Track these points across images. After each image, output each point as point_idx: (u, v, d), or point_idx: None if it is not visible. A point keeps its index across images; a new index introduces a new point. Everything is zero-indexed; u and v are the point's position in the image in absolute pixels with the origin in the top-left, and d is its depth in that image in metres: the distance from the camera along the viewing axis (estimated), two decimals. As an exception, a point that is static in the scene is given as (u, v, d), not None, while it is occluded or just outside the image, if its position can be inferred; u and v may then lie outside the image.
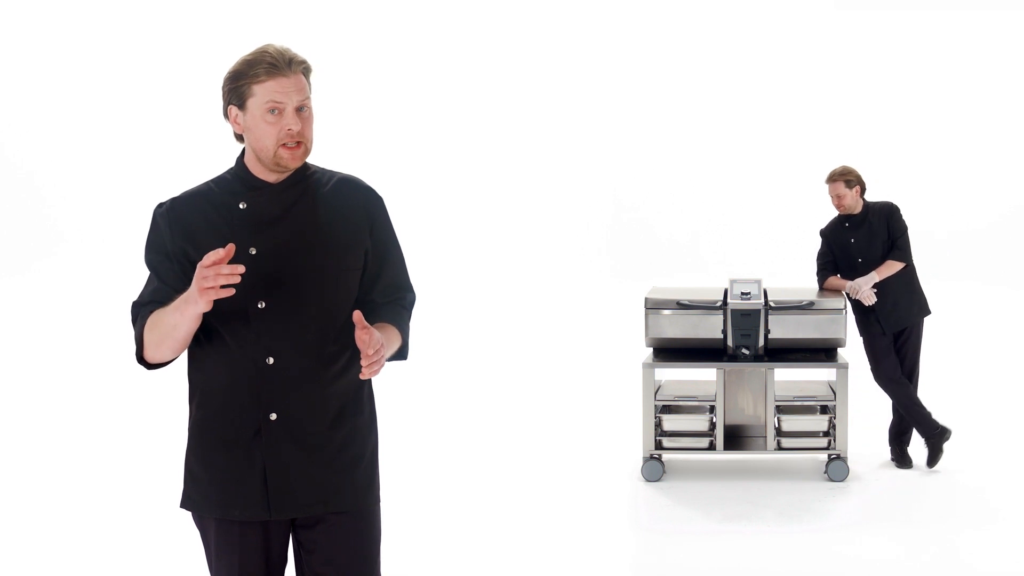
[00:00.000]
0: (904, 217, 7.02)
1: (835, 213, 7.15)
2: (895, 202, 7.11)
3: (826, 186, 7.03)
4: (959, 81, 15.84)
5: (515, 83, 16.28)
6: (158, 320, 2.87)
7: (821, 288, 7.10)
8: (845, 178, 6.94)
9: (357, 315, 2.76)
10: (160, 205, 2.98)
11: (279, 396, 2.88)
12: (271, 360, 2.87)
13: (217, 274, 2.66)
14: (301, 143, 2.88)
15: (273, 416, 2.88)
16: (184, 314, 2.78)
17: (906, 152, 15.69)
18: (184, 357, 3.00)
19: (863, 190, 7.03)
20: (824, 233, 7.16)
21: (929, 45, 15.84)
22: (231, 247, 2.70)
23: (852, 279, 6.98)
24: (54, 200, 16.16)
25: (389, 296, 3.03)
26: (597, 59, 16.25)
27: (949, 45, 15.82)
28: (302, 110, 2.88)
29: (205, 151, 14.31)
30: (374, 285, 2.99)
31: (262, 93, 2.85)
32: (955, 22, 15.78)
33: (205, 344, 2.92)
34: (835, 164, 7.27)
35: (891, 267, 6.93)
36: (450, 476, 6.98)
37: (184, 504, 3.01)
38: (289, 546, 3.05)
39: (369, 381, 3.04)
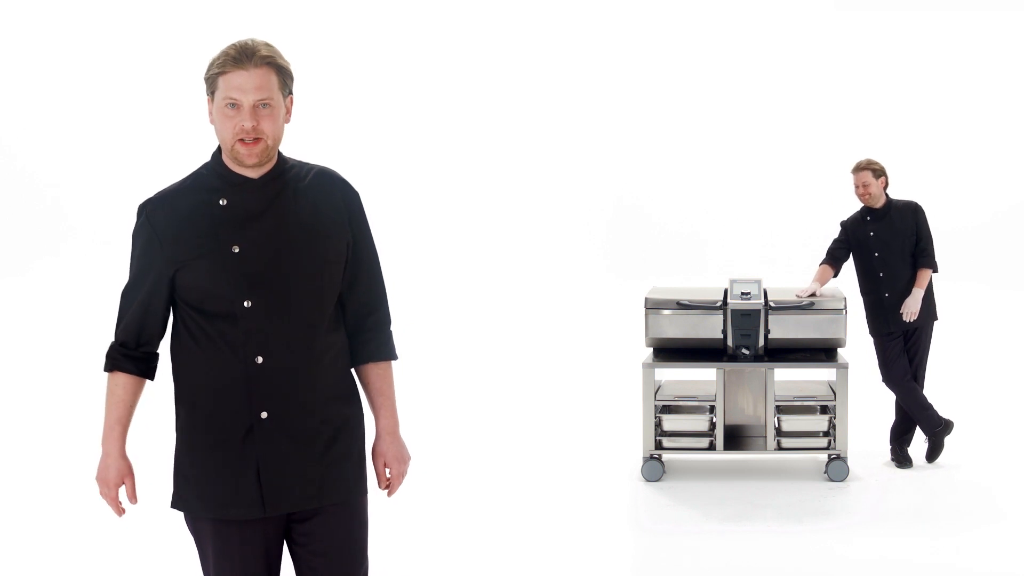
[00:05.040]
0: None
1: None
2: (919, 202, 7.13)
3: (851, 176, 7.07)
4: (959, 81, 15.83)
5: (516, 82, 16.27)
6: (106, 407, 3.02)
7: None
8: (872, 168, 7.00)
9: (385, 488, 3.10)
10: (140, 212, 2.97)
11: (270, 394, 2.88)
12: (260, 359, 2.87)
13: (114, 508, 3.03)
14: (260, 139, 2.86)
15: (264, 415, 2.88)
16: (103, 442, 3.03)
17: (906, 152, 15.68)
18: (168, 358, 3.02)
19: (887, 184, 7.06)
20: (845, 224, 7.18)
21: (929, 45, 15.83)
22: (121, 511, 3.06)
23: (867, 272, 7.00)
24: (56, 200, 16.15)
25: (363, 317, 3.04)
26: (597, 59, 16.24)
27: (949, 45, 15.81)
28: (264, 107, 2.85)
29: (208, 150, 14.29)
30: (351, 288, 3.01)
31: (223, 86, 2.85)
32: (955, 22, 15.77)
33: (192, 346, 2.92)
34: (835, 163, 7.31)
35: (926, 276, 6.99)
36: (450, 476, 6.98)
37: (175, 504, 3.00)
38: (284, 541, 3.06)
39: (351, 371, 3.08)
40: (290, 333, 2.88)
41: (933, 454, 7.00)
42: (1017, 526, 5.92)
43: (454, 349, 11.41)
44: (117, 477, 3.00)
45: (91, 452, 7.81)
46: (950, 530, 5.83)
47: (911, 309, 6.95)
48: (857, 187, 7.03)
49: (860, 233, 7.06)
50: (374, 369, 3.07)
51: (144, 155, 15.91)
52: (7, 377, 10.33)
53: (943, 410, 7.25)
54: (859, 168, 7.03)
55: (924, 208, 7.10)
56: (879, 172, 7.01)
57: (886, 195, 7.08)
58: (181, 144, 15.35)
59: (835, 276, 7.19)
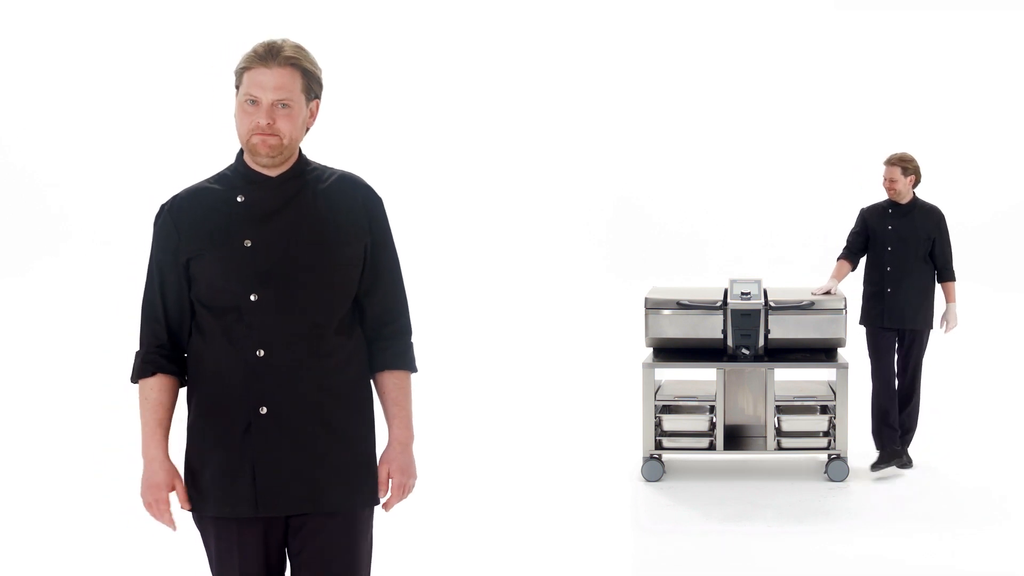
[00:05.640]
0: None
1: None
2: (941, 209, 7.07)
3: (882, 168, 6.99)
4: (959, 80, 15.83)
5: (516, 82, 16.27)
6: (143, 414, 2.98)
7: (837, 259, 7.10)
8: (903, 164, 6.92)
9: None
10: (162, 208, 2.99)
11: (270, 390, 2.87)
12: (261, 353, 2.87)
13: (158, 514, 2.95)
14: (276, 136, 2.88)
15: (263, 410, 2.88)
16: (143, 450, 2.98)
17: (906, 151, 15.66)
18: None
19: (917, 182, 6.98)
20: (864, 213, 7.11)
21: (929, 45, 15.84)
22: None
23: (876, 264, 6.95)
24: (56, 200, 16.15)
25: (382, 325, 3.02)
26: (597, 59, 16.24)
27: (949, 45, 15.81)
28: (283, 107, 2.87)
29: (212, 149, 14.27)
30: (369, 295, 3.00)
31: (246, 82, 2.88)
32: (955, 22, 15.78)
33: (200, 341, 2.93)
34: (835, 163, 7.29)
35: (953, 289, 7.00)
36: (450, 476, 6.97)
37: (189, 504, 2.99)
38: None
39: (368, 377, 3.03)
40: (294, 330, 2.87)
41: (877, 465, 6.76)
42: (1017, 527, 5.92)
43: (454, 349, 11.41)
44: (167, 479, 2.92)
45: (92, 452, 7.81)
46: (950, 531, 5.83)
47: (952, 324, 6.97)
48: (885, 180, 6.97)
49: (879, 224, 6.99)
50: (390, 378, 3.03)
51: (145, 156, 15.91)
52: (7, 377, 10.33)
53: (943, 413, 7.24)
54: (890, 162, 6.95)
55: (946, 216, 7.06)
56: (909, 170, 6.91)
57: (913, 193, 7.02)
58: (182, 145, 15.37)
59: (853, 270, 7.15)
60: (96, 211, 15.80)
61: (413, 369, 3.07)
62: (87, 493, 6.62)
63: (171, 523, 2.97)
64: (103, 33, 16.20)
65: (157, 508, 2.94)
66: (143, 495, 2.95)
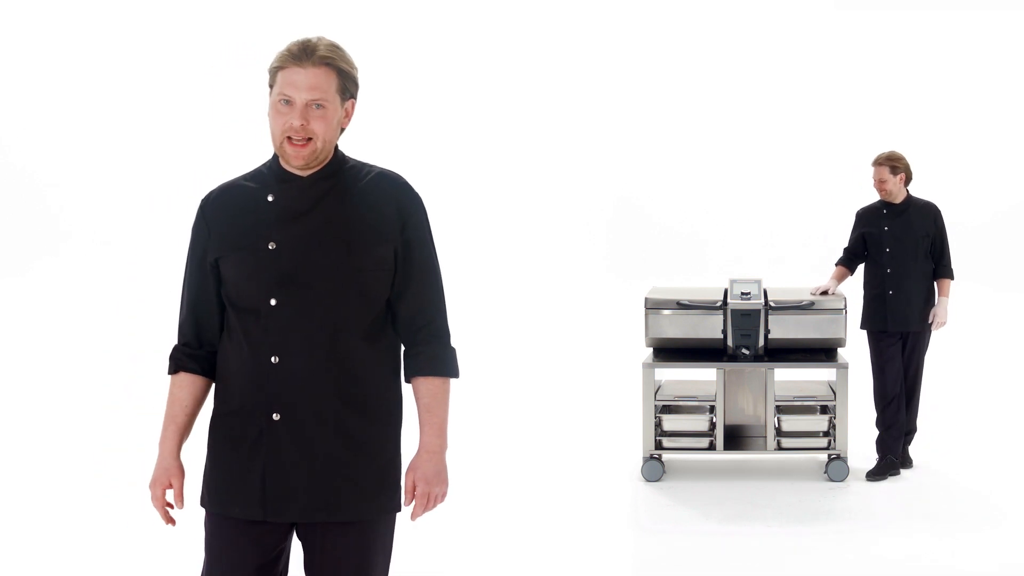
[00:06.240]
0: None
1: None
2: (937, 204, 7.00)
3: (871, 168, 6.89)
4: (959, 80, 15.83)
5: (516, 82, 16.27)
6: (168, 405, 2.98)
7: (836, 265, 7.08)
8: (891, 163, 6.81)
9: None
10: (200, 203, 2.97)
11: (283, 396, 2.83)
12: (276, 359, 2.82)
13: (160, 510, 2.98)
14: (310, 140, 2.82)
15: (276, 416, 2.84)
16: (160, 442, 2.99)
17: (906, 151, 15.65)
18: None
19: (908, 180, 6.88)
20: (860, 215, 7.03)
21: (929, 45, 15.84)
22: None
23: (874, 266, 6.89)
24: (56, 200, 16.15)
25: (416, 330, 2.94)
26: (597, 59, 16.24)
27: (949, 45, 15.81)
28: (317, 107, 2.81)
29: (213, 149, 14.25)
30: (400, 298, 2.92)
31: (279, 82, 2.82)
32: (955, 22, 15.78)
33: (227, 340, 2.91)
34: (835, 163, 7.26)
35: (947, 286, 6.88)
36: (449, 475, 6.96)
37: (202, 501, 2.98)
38: (290, 554, 3.00)
39: (397, 384, 2.98)
40: (311, 336, 2.82)
41: (874, 474, 6.74)
42: (1016, 528, 5.92)
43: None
44: (163, 477, 2.93)
45: (92, 451, 7.79)
46: (949, 531, 5.83)
47: (940, 320, 6.87)
48: (874, 181, 6.87)
49: (874, 226, 6.91)
50: (424, 384, 2.94)
51: (145, 156, 15.91)
52: (7, 377, 10.33)
53: (942, 414, 7.23)
54: (878, 162, 6.84)
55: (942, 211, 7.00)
56: (898, 169, 6.80)
57: (906, 191, 6.94)
58: (182, 145, 15.36)
59: (851, 275, 7.11)
60: (96, 211, 15.79)
61: (449, 374, 2.96)
62: (87, 493, 6.62)
63: (166, 518, 2.99)
64: (103, 33, 16.19)
65: (153, 502, 2.97)
66: (149, 487, 2.98)
